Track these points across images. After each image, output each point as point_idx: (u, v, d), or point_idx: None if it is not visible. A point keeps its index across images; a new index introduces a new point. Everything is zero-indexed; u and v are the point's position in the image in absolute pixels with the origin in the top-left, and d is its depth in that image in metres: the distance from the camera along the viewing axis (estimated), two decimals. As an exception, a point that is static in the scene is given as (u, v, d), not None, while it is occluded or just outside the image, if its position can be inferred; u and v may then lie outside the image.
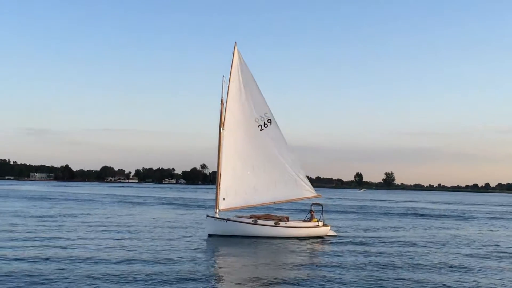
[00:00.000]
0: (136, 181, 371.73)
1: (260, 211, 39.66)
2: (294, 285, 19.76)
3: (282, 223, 33.90)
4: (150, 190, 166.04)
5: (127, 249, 26.90)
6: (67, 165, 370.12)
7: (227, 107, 35.42)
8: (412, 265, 24.48)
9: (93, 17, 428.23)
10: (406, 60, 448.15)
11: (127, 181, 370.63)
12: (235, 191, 35.08)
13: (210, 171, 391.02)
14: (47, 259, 23.32)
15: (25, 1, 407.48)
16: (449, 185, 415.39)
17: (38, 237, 31.21)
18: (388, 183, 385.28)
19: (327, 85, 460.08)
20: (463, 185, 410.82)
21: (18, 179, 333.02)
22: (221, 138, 35.09)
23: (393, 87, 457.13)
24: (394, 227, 45.88)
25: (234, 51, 36.22)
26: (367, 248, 29.98)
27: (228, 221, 33.70)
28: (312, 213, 35.63)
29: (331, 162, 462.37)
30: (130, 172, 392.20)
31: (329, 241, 33.08)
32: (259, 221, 33.77)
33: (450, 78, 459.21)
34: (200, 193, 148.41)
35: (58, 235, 32.51)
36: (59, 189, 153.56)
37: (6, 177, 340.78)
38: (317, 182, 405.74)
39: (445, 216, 64.86)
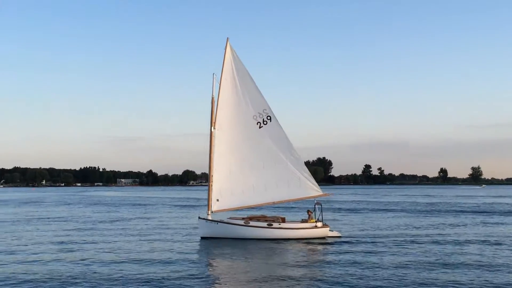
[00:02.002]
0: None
1: (263, 212, 38.17)
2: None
3: (275, 224, 32.20)
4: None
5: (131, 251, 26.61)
6: (150, 171, 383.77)
7: (218, 106, 34.27)
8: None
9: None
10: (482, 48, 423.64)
11: (207, 184, 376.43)
12: (231, 192, 33.87)
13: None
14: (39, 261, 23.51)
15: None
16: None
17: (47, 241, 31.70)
18: (476, 178, 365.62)
19: (397, 82, 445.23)
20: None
21: (106, 185, 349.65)
22: (213, 138, 34.00)
23: (471, 77, 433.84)
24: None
25: (226, 47, 35.01)
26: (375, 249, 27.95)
27: (219, 223, 32.50)
28: (309, 213, 33.56)
29: (415, 159, 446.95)
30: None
31: (328, 243, 31.04)
32: (251, 223, 32.29)
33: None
34: None
35: (64, 238, 32.83)
36: (138, 193, 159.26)
37: (96, 184, 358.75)
38: (401, 179, 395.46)
39: None
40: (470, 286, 19.04)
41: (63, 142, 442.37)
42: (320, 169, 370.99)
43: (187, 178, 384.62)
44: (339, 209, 66.68)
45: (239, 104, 34.79)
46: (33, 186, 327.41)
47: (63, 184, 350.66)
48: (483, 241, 31.55)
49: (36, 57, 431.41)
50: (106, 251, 27.78)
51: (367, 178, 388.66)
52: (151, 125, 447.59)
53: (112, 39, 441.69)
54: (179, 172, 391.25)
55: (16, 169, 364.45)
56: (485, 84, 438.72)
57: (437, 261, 24.11)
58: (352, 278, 20.31)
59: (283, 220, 33.06)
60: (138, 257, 25.42)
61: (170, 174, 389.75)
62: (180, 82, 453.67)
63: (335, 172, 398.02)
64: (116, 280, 20.08)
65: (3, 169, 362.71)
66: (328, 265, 23.59)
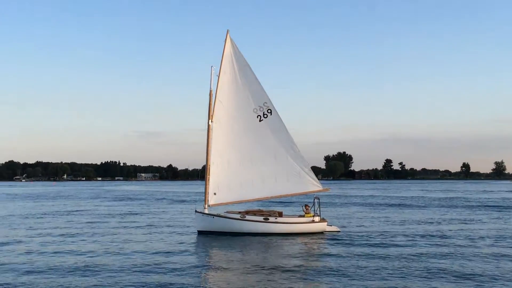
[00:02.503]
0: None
1: (264, 206, 37.69)
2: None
3: (272, 219, 31.69)
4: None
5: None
6: (170, 165, 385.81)
7: (216, 98, 33.80)
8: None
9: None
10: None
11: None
12: (228, 185, 33.41)
13: (310, 167, 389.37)
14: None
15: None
16: None
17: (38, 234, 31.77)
18: (499, 173, 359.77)
19: (418, 76, 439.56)
20: None
21: (126, 180, 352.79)
22: (210, 131, 33.57)
23: (494, 71, 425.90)
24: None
25: (226, 39, 34.46)
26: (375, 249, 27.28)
27: (215, 217, 32.12)
28: (306, 207, 32.97)
29: (437, 153, 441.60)
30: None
31: (324, 237, 30.47)
32: (248, 217, 31.83)
33: None
34: None
35: (64, 231, 32.87)
36: (156, 188, 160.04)
37: (116, 178, 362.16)
38: (422, 174, 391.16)
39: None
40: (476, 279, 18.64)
41: (84, 137, 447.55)
42: (340, 164, 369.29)
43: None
44: (350, 204, 65.95)
45: (239, 97, 34.25)
46: (54, 180, 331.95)
47: (84, 179, 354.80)
48: (497, 237, 30.71)
49: (59, 52, 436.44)
50: (106, 243, 27.95)
51: (388, 173, 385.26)
52: (172, 119, 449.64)
53: (130, 34, 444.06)
54: (199, 167, 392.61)
55: (38, 164, 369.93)
56: (509, 78, 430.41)
57: (441, 258, 23.08)
58: (343, 273, 19.96)
59: (280, 215, 32.53)
60: (129, 249, 25.61)
61: (190, 168, 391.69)
62: (201, 76, 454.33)
63: (355, 167, 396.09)
64: (112, 271, 20.32)
65: (25, 164, 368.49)
66: (321, 259, 23.24)
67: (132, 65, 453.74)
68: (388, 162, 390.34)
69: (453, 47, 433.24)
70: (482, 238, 30.16)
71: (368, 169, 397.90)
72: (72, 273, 20.00)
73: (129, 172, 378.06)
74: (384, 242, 28.59)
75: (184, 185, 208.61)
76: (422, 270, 20.43)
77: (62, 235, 32.16)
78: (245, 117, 34.14)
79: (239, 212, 32.67)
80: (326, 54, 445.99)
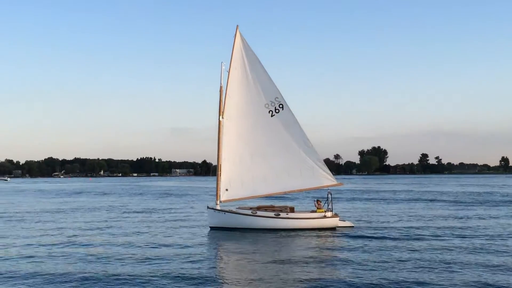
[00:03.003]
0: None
1: (277, 202, 37.52)
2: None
3: (283, 214, 31.55)
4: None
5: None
6: (204, 161, 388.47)
7: (227, 95, 33.79)
8: None
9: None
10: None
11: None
12: (241, 181, 33.42)
13: (344, 162, 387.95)
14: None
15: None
16: None
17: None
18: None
19: (455, 69, 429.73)
20: None
21: (161, 175, 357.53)
22: (221, 127, 33.58)
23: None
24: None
25: (235, 35, 34.40)
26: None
27: (226, 213, 32.18)
28: (318, 202, 32.69)
29: (475, 147, 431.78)
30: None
31: (336, 233, 30.18)
32: (259, 213, 31.78)
33: None
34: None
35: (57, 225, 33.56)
36: (189, 183, 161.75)
37: (151, 174, 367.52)
38: (460, 169, 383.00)
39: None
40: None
41: (121, 134, 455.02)
42: (374, 159, 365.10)
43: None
44: (377, 199, 64.98)
45: (250, 92, 34.19)
46: (91, 176, 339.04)
47: (120, 174, 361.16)
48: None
49: (94, 50, 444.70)
50: (121, 238, 28.70)
51: (424, 167, 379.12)
52: (207, 115, 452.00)
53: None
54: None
55: (76, 160, 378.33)
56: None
57: (456, 257, 21.98)
58: (350, 266, 20.21)
59: (292, 210, 32.37)
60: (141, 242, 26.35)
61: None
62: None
63: (391, 161, 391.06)
64: (124, 262, 21.24)
65: (64, 160, 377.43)
66: (331, 254, 23.35)
67: (163, 62, 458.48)
68: (424, 156, 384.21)
69: (489, 38, 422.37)
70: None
71: (404, 164, 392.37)
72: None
73: (164, 168, 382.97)
74: (396, 236, 28.31)
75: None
76: (437, 265, 20.11)
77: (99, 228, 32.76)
78: (256, 112, 34.06)
79: (250, 208, 32.64)
80: (355, 48, 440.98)
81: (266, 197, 35.65)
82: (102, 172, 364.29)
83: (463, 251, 23.41)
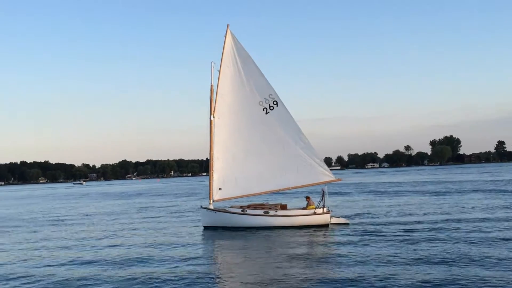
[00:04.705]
0: (339, 167, 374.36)
1: (277, 199, 37.03)
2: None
3: (271, 212, 31.12)
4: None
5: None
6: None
7: (218, 93, 33.74)
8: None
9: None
10: None
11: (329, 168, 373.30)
12: (234, 180, 33.31)
13: (415, 153, 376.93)
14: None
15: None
16: None
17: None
18: None
19: None
20: None
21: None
22: (212, 126, 33.59)
23: None
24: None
25: (226, 33, 34.28)
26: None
27: (217, 212, 32.18)
28: (308, 199, 31.98)
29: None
30: (331, 159, 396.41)
31: (326, 230, 29.42)
32: (248, 211, 31.56)
33: None
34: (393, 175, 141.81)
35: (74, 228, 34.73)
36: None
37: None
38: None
39: None
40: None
41: (190, 134, 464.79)
42: (447, 148, 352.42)
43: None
44: (408, 192, 62.17)
45: (243, 90, 33.96)
46: (161, 177, 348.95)
47: (189, 174, 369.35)
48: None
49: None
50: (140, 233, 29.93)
51: (501, 155, 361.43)
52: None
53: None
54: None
55: (148, 162, 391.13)
56: None
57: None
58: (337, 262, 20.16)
59: (284, 207, 31.92)
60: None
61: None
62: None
63: (465, 150, 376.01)
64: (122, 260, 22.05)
65: (137, 162, 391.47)
66: (307, 252, 23.26)
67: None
68: (501, 144, 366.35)
69: None
70: None
71: (480, 152, 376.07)
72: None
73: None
74: (388, 233, 27.16)
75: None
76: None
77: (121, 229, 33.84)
78: (250, 110, 33.82)
79: (241, 207, 32.49)
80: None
81: (262, 195, 35.02)
82: (172, 173, 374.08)
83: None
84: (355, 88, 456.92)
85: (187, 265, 20.77)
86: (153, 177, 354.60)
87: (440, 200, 46.91)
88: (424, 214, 35.56)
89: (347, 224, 31.54)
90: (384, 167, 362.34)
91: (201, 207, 33.38)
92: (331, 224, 31.05)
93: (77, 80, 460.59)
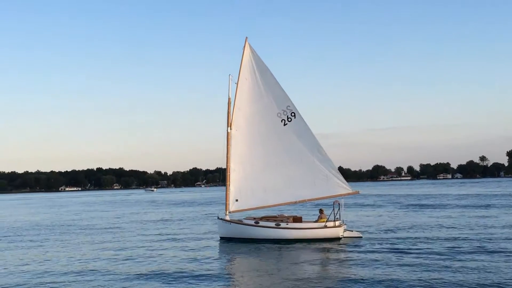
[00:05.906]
0: (409, 178, 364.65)
1: (295, 211, 36.86)
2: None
3: (283, 225, 31.13)
4: (407, 187, 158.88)
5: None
6: (340, 167, 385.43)
7: (235, 106, 34.23)
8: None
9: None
10: None
11: (399, 179, 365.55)
12: (250, 191, 33.63)
13: (491, 163, 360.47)
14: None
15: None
16: None
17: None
18: None
19: None
20: None
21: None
22: (229, 138, 34.09)
23: None
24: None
25: (245, 46, 34.81)
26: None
27: (232, 223, 32.58)
28: (321, 212, 31.71)
29: None
30: (402, 169, 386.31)
31: (337, 244, 29.16)
32: (261, 223, 31.74)
33: None
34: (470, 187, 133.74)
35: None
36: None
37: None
38: None
39: None
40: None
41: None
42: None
43: (376, 173, 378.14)
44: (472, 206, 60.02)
45: (261, 102, 34.31)
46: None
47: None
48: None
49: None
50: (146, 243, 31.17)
51: None
52: (345, 120, 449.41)
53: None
54: (369, 167, 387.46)
55: (218, 170, 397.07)
56: None
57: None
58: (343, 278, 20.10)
59: (297, 220, 31.89)
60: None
61: (363, 169, 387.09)
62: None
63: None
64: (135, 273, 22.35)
65: (207, 170, 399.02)
66: (324, 267, 23.39)
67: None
68: None
69: None
70: None
71: None
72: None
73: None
74: (400, 248, 26.73)
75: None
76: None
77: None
78: (268, 121, 34.10)
79: (254, 218, 32.74)
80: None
81: (278, 206, 34.87)
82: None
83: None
84: (428, 96, 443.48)
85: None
86: (221, 185, 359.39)
87: (485, 217, 44.71)
88: (450, 228, 34.34)
89: (360, 237, 31.04)
90: (457, 178, 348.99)
91: (218, 218, 33.88)
92: (343, 237, 30.66)
93: (155, 86, 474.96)
